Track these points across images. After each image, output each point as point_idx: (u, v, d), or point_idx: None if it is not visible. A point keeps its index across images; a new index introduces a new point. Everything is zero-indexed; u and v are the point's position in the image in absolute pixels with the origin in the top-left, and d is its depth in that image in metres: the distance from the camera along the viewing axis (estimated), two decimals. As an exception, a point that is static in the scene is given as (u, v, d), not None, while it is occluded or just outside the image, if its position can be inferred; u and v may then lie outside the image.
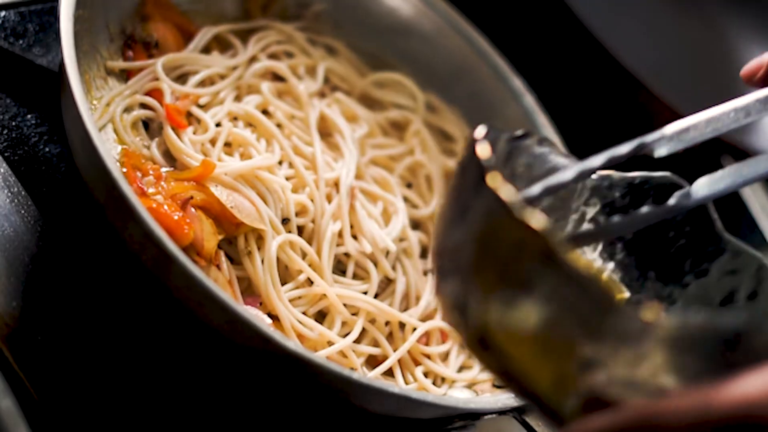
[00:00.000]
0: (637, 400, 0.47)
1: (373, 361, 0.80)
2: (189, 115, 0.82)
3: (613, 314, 0.47)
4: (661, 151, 0.60)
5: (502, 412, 0.76)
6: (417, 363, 0.82)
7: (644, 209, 0.62)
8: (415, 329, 0.82)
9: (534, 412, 0.54)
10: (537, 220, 0.48)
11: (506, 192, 0.49)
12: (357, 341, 0.79)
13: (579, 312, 0.48)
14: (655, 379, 0.47)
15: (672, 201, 0.62)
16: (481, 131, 0.55)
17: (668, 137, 0.60)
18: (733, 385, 0.44)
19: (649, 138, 0.60)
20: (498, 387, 0.83)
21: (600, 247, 0.67)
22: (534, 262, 0.48)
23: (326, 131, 0.90)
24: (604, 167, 0.60)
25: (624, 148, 0.59)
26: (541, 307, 0.49)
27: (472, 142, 0.53)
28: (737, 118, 0.61)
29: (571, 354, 0.48)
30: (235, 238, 0.77)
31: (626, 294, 0.66)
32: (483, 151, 0.52)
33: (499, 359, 0.51)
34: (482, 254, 0.51)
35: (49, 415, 0.65)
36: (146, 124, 0.81)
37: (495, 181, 0.50)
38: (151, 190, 0.73)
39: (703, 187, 0.61)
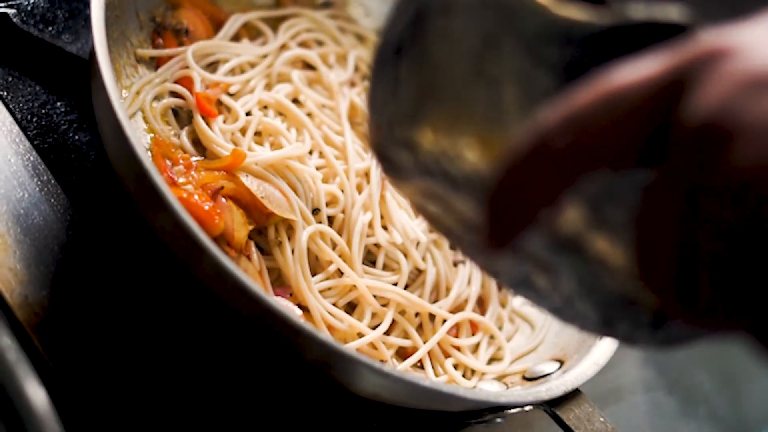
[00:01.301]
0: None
1: (402, 353, 0.80)
2: (219, 103, 0.81)
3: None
4: None
5: (532, 405, 0.75)
6: (447, 355, 0.81)
7: None
8: (445, 321, 0.82)
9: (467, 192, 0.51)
10: None
11: None
12: (387, 333, 0.78)
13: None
14: None
15: None
16: None
17: None
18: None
19: None
20: (528, 380, 0.82)
21: None
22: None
23: (357, 120, 0.89)
24: None
25: None
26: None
27: None
28: None
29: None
30: (265, 229, 0.76)
31: None
32: None
33: (441, 137, 0.50)
34: (417, 27, 0.50)
35: (80, 405, 0.64)
36: (176, 112, 0.80)
37: None
38: (181, 180, 0.73)
39: None
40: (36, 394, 0.52)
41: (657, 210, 0.39)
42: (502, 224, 0.42)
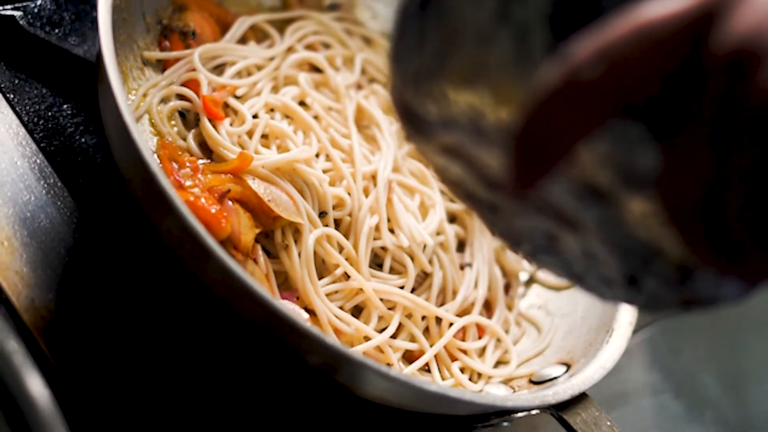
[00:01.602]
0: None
1: (409, 356, 0.79)
2: (226, 106, 0.81)
3: None
4: None
5: (539, 409, 0.75)
6: (453, 358, 0.81)
7: None
8: (451, 324, 0.81)
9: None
10: None
11: None
12: (393, 336, 0.78)
13: None
14: None
15: None
16: None
17: None
18: None
19: None
20: (534, 383, 0.82)
21: None
22: None
23: (363, 123, 0.89)
24: None
25: None
26: None
27: None
28: None
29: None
30: (272, 232, 0.76)
31: None
32: None
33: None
34: None
35: (86, 408, 0.64)
36: (182, 115, 0.80)
37: None
38: (188, 183, 0.73)
39: None
40: (42, 397, 0.52)
41: (686, 148, 0.39)
42: (530, 162, 0.42)
